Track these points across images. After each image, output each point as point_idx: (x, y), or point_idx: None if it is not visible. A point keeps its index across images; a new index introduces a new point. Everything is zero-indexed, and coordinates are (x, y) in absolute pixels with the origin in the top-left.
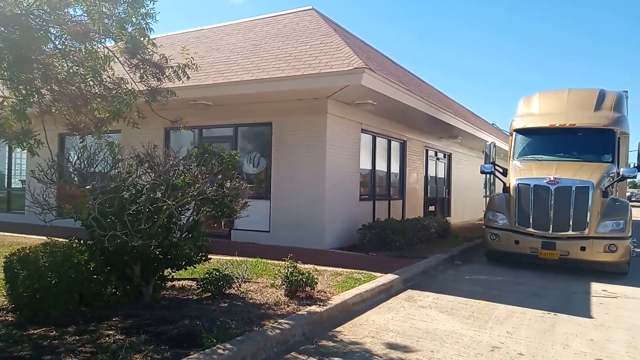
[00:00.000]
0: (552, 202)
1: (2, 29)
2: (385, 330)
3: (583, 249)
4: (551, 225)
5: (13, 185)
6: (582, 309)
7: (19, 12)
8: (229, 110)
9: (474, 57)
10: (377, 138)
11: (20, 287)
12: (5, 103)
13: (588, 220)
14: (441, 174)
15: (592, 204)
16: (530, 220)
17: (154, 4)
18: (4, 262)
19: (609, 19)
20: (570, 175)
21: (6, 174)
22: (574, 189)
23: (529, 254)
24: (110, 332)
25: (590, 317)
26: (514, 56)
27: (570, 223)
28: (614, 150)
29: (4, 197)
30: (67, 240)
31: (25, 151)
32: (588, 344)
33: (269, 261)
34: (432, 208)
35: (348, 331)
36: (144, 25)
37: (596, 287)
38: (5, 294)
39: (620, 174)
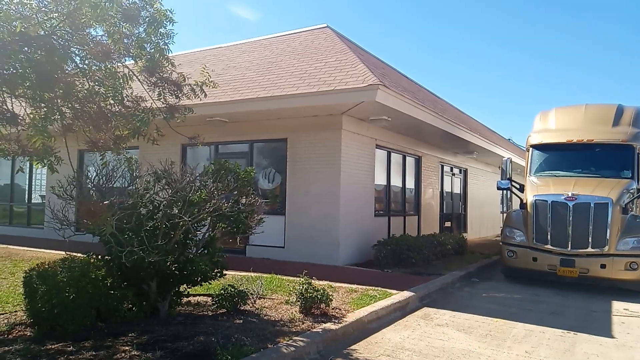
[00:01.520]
0: (571, 218)
1: (26, 49)
2: (401, 348)
3: (603, 266)
4: (570, 243)
5: (33, 201)
6: (603, 328)
7: (43, 32)
8: (244, 127)
9: (490, 73)
10: (392, 153)
11: (39, 302)
12: (27, 121)
13: (608, 237)
14: (457, 189)
15: (612, 220)
16: (549, 237)
17: (173, 24)
18: (23, 277)
19: (627, 35)
20: (588, 191)
21: (27, 189)
22: (592, 205)
23: (548, 272)
24: (127, 347)
25: (611, 336)
26: (529, 71)
27: (590, 240)
28: (634, 166)
29: (24, 212)
30: (85, 256)
31: (45, 167)
32: None
33: (284, 277)
34: (448, 224)
35: (363, 349)
36: (163, 45)
37: (617, 306)
38: (24, 309)
39: None
